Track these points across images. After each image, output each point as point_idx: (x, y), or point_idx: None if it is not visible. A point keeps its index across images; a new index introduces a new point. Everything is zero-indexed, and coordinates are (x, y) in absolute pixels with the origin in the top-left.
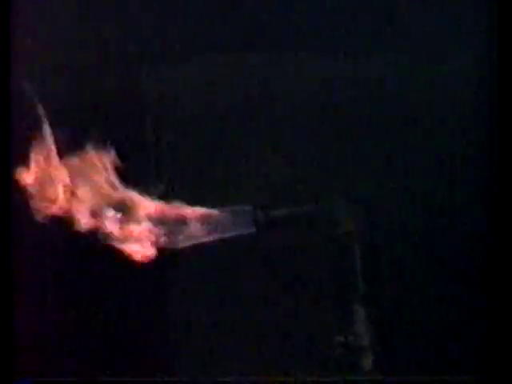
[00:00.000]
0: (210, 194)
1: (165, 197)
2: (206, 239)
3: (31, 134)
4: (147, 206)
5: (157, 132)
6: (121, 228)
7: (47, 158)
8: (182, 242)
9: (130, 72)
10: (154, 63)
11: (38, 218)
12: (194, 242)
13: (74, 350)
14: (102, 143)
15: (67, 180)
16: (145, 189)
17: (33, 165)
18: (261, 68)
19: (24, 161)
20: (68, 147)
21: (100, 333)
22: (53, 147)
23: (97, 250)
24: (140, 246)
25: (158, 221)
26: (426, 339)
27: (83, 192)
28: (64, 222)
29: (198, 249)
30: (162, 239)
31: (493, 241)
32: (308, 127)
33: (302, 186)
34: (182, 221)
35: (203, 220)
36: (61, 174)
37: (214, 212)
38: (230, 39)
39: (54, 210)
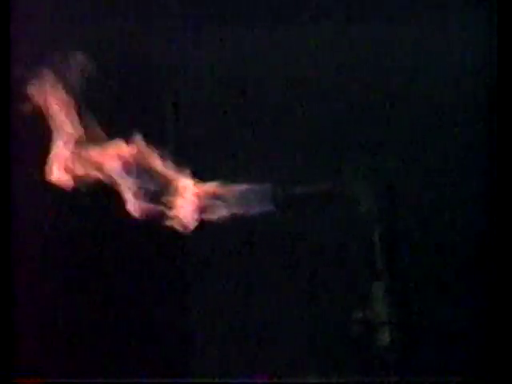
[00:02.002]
0: (232, 173)
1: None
2: (227, 215)
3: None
4: (187, 185)
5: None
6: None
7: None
8: (210, 216)
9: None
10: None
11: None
12: (218, 217)
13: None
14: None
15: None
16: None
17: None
18: (283, 45)
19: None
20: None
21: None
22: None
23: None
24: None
25: (195, 197)
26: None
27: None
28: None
29: (220, 225)
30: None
31: None
32: (325, 107)
33: (321, 163)
34: (211, 198)
35: (226, 197)
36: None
37: (236, 190)
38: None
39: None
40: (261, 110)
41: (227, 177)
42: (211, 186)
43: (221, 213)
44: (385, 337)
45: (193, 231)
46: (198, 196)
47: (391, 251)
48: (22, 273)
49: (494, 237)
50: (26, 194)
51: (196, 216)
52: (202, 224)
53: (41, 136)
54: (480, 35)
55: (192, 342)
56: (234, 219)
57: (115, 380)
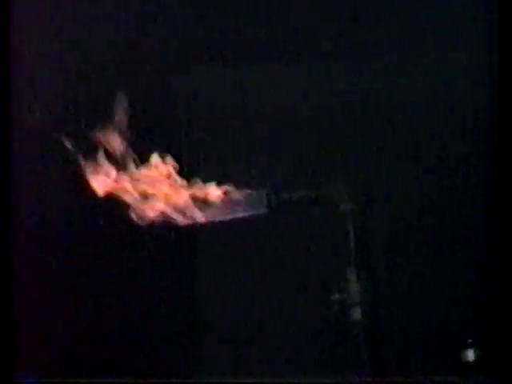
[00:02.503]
0: (234, 180)
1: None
2: (228, 217)
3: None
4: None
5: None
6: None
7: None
8: (214, 218)
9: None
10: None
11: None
12: (219, 218)
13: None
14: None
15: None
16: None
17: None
18: (271, 76)
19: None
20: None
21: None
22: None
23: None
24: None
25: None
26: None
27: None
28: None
29: (221, 225)
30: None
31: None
32: (315, 127)
33: (308, 173)
34: (218, 201)
35: (227, 201)
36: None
37: (236, 194)
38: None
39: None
40: (259, 132)
41: (230, 183)
42: (217, 190)
43: (224, 214)
44: (357, 313)
45: (198, 231)
46: (208, 199)
47: (362, 244)
48: (22, 273)
49: (461, 223)
50: (26, 194)
51: (201, 217)
52: (209, 224)
53: (40, 136)
54: (480, 37)
55: (190, 342)
56: (234, 220)
57: (115, 380)
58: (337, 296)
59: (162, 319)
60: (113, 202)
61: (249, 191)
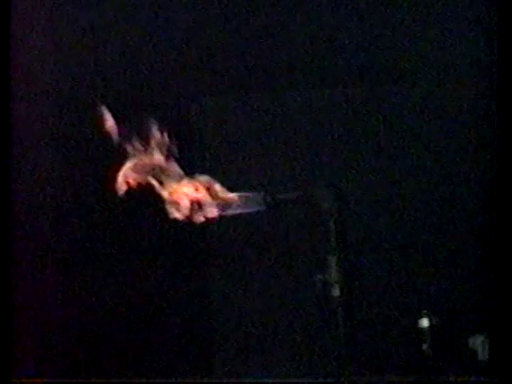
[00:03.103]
0: (237, 183)
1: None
2: (231, 213)
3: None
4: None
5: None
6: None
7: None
8: (219, 214)
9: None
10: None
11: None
12: (224, 213)
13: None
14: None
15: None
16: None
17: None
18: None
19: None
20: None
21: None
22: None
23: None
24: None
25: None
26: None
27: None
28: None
29: (227, 220)
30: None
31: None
32: (303, 143)
33: (297, 178)
34: (222, 200)
35: (231, 200)
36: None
37: (238, 195)
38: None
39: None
40: (259, 147)
41: (233, 186)
42: (222, 191)
43: (227, 212)
44: (336, 291)
45: (204, 227)
46: (213, 198)
47: (340, 235)
48: (22, 274)
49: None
50: (26, 194)
51: (212, 213)
52: (216, 220)
53: (41, 137)
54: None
55: (190, 341)
56: (235, 217)
57: (115, 380)
58: (320, 276)
59: (162, 319)
60: (121, 200)
61: (250, 193)
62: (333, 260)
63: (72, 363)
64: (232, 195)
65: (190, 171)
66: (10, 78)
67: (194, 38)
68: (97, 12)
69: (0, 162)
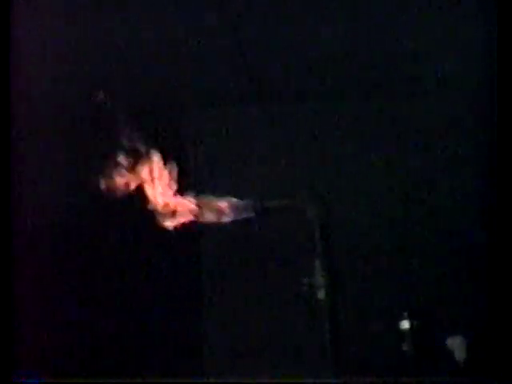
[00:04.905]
0: (228, 191)
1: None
2: (223, 220)
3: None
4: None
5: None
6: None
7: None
8: (212, 219)
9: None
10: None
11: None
12: (217, 220)
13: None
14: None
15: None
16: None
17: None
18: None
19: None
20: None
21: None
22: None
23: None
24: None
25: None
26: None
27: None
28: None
29: (220, 226)
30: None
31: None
32: (291, 155)
33: (284, 187)
34: (212, 208)
35: (222, 207)
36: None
37: (228, 202)
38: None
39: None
40: (249, 159)
41: (225, 194)
42: (213, 200)
43: (219, 219)
44: (321, 294)
45: (196, 234)
46: (202, 207)
47: (325, 241)
48: (22, 274)
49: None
50: (26, 195)
51: (211, 219)
52: (212, 225)
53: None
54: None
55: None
56: (227, 223)
57: (115, 380)
58: (306, 280)
59: (162, 320)
60: (118, 203)
61: (240, 200)
62: (318, 264)
63: (72, 363)
64: (222, 203)
65: (179, 180)
66: (9, 78)
67: (187, 51)
68: (92, 25)
69: (0, 162)
